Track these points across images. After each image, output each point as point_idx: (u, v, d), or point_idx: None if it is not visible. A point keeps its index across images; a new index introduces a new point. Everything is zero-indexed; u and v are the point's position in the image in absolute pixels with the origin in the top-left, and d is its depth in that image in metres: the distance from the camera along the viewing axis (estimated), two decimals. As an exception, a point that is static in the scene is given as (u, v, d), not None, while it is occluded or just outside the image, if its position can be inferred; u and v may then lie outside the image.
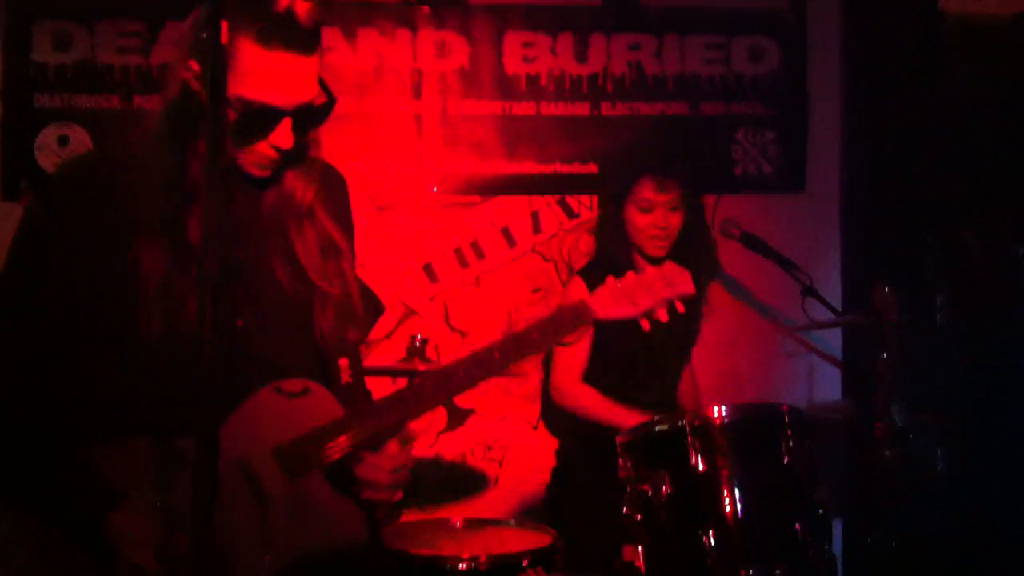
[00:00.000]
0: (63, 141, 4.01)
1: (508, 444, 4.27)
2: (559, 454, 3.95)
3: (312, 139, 2.14)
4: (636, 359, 3.72)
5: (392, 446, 2.15)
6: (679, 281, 2.33)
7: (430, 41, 4.26)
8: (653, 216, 3.66)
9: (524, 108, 4.31)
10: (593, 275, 3.72)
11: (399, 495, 2.18)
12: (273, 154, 2.04)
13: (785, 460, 2.89)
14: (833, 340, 4.43)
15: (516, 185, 4.31)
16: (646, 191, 3.67)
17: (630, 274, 2.33)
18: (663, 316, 2.34)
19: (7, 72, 4.02)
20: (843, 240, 4.47)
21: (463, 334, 4.25)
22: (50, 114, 4.01)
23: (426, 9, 4.24)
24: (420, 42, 4.25)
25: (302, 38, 1.98)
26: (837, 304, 4.13)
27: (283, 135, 2.01)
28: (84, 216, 2.04)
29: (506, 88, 4.30)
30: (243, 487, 2.03)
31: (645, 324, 2.32)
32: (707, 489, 2.83)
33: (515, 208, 4.31)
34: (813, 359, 4.44)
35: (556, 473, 3.91)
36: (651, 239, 3.68)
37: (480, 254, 4.29)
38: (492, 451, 4.26)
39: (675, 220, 3.69)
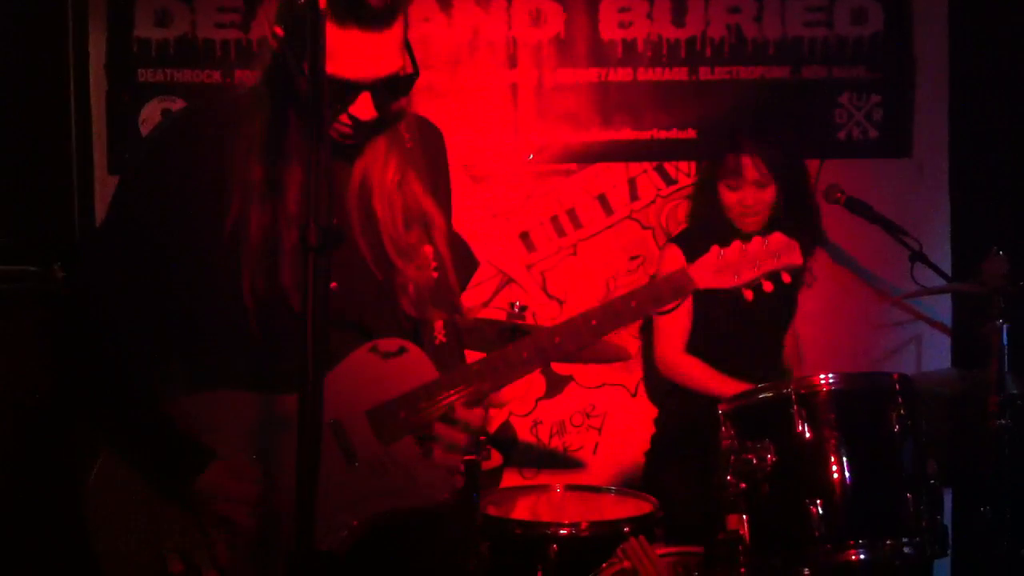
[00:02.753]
0: (166, 115, 4.08)
1: (607, 411, 4.24)
2: (658, 422, 3.93)
3: (401, 107, 2.11)
4: (737, 327, 3.69)
5: (478, 410, 2.13)
6: (786, 252, 2.25)
7: (525, 9, 4.22)
8: (741, 194, 3.65)
9: (620, 75, 4.25)
10: (688, 242, 3.69)
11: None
12: (352, 124, 2.04)
13: (896, 429, 2.83)
14: (942, 308, 4.30)
15: (612, 152, 4.25)
16: (732, 169, 3.65)
17: (736, 244, 2.26)
18: (767, 287, 2.26)
19: (111, 48, 4.09)
20: (952, 206, 4.32)
21: (561, 302, 4.23)
22: (153, 88, 4.08)
23: (521, -24, 4.21)
24: (515, 11, 4.21)
25: (375, 16, 1.95)
26: (947, 271, 4.02)
27: (362, 107, 2.01)
28: (181, 170, 2.08)
29: (602, 55, 4.24)
30: (332, 446, 2.05)
31: (748, 294, 2.26)
32: (814, 458, 2.80)
33: (612, 175, 4.26)
34: (921, 327, 4.32)
35: (655, 440, 3.88)
36: (740, 216, 3.67)
37: (577, 222, 4.26)
38: (591, 418, 4.24)
39: (766, 196, 3.65)
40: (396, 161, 2.15)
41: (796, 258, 2.27)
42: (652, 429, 3.90)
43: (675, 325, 3.67)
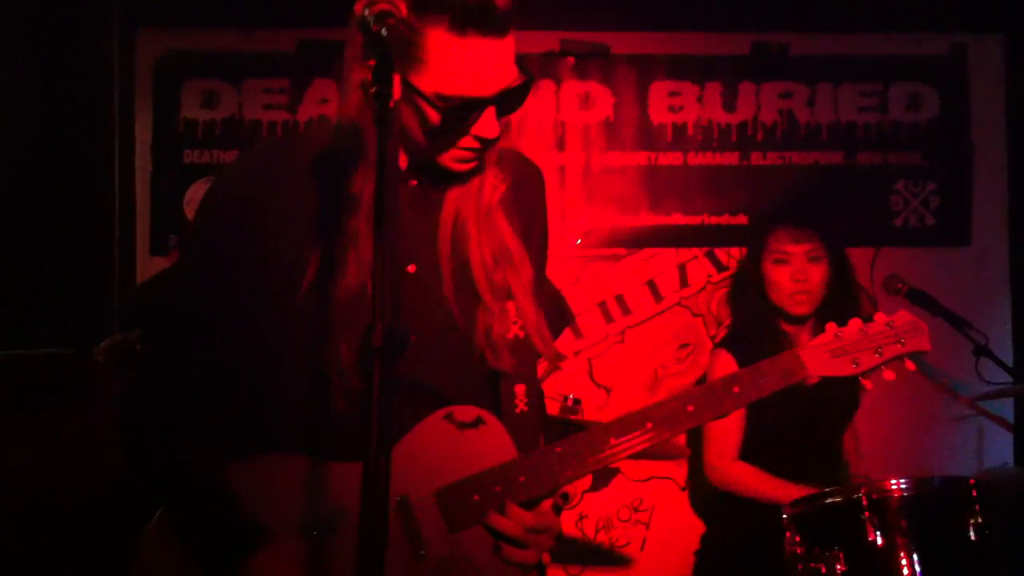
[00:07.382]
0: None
1: (655, 506, 4.10)
2: (707, 521, 3.77)
3: (504, 126, 1.93)
4: (795, 426, 3.46)
5: (544, 504, 1.96)
6: (912, 335, 2.00)
7: (574, 93, 4.19)
8: (791, 268, 3.44)
9: (670, 158, 4.19)
10: (736, 344, 3.52)
11: (545, 558, 2.01)
12: (477, 145, 1.88)
13: (972, 538, 2.67)
14: (1004, 402, 4.13)
15: (662, 237, 4.18)
16: (781, 242, 3.46)
17: (854, 323, 2.01)
18: (888, 375, 2.01)
19: (157, 128, 4.08)
20: (1013, 295, 4.21)
21: (608, 390, 4.11)
22: (198, 169, 4.05)
23: (570, 60, 4.15)
24: (564, 94, 4.19)
25: (498, 20, 1.80)
26: (1008, 363, 3.88)
27: (488, 125, 1.85)
28: (250, 222, 1.93)
29: (651, 138, 4.19)
30: (397, 524, 1.88)
31: (868, 384, 2.01)
32: (886, 568, 2.63)
33: (661, 261, 4.18)
34: (982, 423, 4.16)
35: (705, 539, 3.72)
36: (791, 296, 3.44)
37: (625, 309, 4.16)
38: (638, 513, 4.09)
39: (816, 273, 3.44)
40: (499, 191, 1.97)
41: (924, 343, 2.01)
42: (703, 527, 3.74)
43: (726, 432, 3.43)
